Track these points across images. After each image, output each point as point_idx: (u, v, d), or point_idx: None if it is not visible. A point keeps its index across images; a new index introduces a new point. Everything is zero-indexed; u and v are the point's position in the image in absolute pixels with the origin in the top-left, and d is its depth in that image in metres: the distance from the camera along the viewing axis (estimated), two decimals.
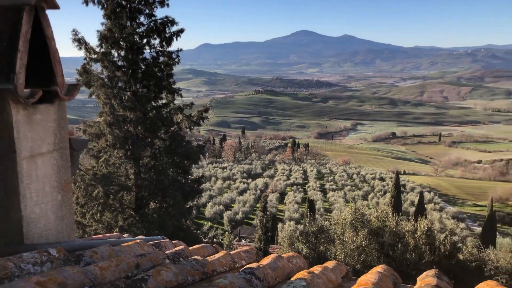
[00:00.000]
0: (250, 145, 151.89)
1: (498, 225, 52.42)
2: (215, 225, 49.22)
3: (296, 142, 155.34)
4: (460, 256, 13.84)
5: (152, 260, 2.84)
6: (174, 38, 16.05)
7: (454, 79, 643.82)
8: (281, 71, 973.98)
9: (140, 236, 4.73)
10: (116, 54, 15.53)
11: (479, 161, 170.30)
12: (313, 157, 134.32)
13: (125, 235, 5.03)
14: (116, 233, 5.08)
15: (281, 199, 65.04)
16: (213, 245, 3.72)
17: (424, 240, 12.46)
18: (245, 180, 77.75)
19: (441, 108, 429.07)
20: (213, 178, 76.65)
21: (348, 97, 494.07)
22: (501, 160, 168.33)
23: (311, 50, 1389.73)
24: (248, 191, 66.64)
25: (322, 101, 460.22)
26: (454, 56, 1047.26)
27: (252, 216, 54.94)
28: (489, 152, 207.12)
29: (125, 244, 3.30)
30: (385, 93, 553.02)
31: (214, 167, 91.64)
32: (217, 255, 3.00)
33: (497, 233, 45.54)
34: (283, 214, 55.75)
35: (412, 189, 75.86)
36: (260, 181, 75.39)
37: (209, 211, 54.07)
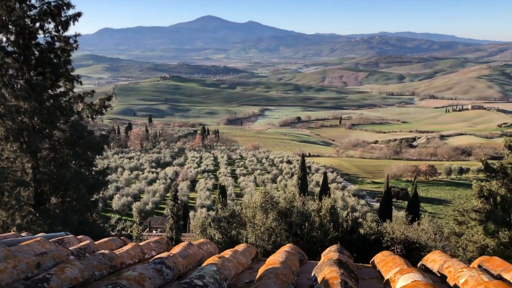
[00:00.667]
0: (158, 133, 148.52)
1: (394, 199, 57.12)
2: (123, 217, 47.68)
3: (206, 129, 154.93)
4: (361, 231, 14.88)
5: (55, 257, 2.68)
6: (71, 22, 15.03)
7: (352, 65, 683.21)
8: (188, 57, 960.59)
9: (41, 234, 4.44)
10: (4, 39, 14.21)
11: (376, 142, 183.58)
12: (223, 144, 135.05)
13: (23, 234, 4.69)
14: (13, 233, 4.71)
15: (192, 186, 64.69)
16: (121, 238, 3.61)
17: (328, 218, 13.19)
18: (154, 169, 76.05)
19: (341, 93, 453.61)
20: (119, 169, 73.88)
21: (255, 83, 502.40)
22: (395, 140, 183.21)
23: (217, 36, 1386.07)
24: (157, 181, 65.31)
25: (230, 87, 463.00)
26: (352, 43, 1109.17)
27: (163, 206, 54.03)
28: (384, 133, 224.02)
29: (23, 243, 3.08)
30: (290, 79, 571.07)
31: (120, 158, 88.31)
32: (125, 248, 2.91)
33: (393, 207, 49.58)
34: (194, 201, 55.56)
35: (317, 170, 79.62)
36: (170, 170, 74.22)
37: (116, 203, 52.13)
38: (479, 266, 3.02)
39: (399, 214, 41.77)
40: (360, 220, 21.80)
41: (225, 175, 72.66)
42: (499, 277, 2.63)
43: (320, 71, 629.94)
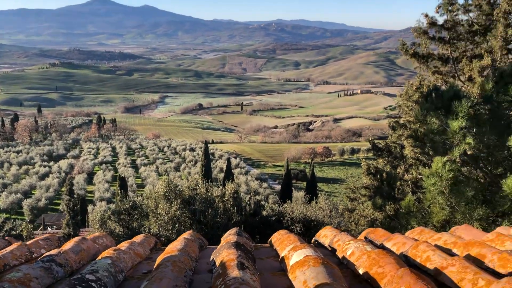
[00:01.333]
0: (49, 124, 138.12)
1: (294, 181, 59.68)
2: (13, 216, 43.93)
3: (102, 118, 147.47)
4: (264, 213, 15.38)
5: None
6: None
7: (251, 52, 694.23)
8: (79, 42, 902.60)
9: None
10: None
11: (276, 127, 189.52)
12: (121, 133, 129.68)
13: None
14: None
15: (89, 179, 61.44)
16: (6, 238, 3.32)
17: (232, 203, 13.41)
18: (46, 163, 70.78)
19: (241, 79, 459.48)
20: (6, 164, 67.62)
21: (153, 69, 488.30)
22: (293, 124, 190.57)
23: (111, 20, 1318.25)
24: (50, 175, 60.97)
25: (127, 74, 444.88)
26: (250, 30, 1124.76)
27: (58, 201, 50.67)
28: (283, 118, 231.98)
29: None
30: (190, 65, 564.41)
31: (6, 152, 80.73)
32: (9, 248, 2.69)
33: (293, 188, 51.80)
34: (93, 195, 52.92)
35: (220, 156, 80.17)
36: (64, 163, 69.64)
37: (4, 201, 47.75)
38: (365, 238, 3.29)
39: (298, 195, 43.71)
40: (263, 202, 22.52)
41: (125, 166, 70.07)
42: (381, 246, 2.89)
43: (219, 57, 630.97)
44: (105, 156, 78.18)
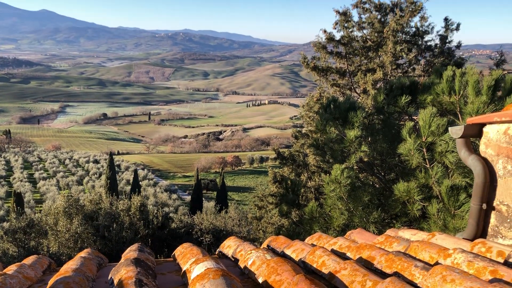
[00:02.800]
0: None
1: (204, 191, 59.42)
2: None
3: None
4: (173, 225, 15.09)
5: None
6: None
7: (158, 61, 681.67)
8: None
9: None
10: None
11: (185, 136, 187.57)
12: (17, 145, 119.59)
13: None
14: None
15: None
16: None
17: (138, 216, 12.99)
18: None
19: (148, 88, 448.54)
20: None
21: (53, 77, 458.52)
22: (203, 134, 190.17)
23: (3, 24, 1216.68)
24: None
25: (23, 81, 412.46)
26: (157, 39, 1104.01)
27: None
28: (193, 127, 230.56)
29: None
30: (93, 74, 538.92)
31: None
32: None
33: (203, 198, 51.54)
34: None
35: (127, 168, 77.34)
36: None
37: None
38: (268, 246, 3.37)
39: (209, 205, 43.58)
40: (172, 214, 22.11)
41: (21, 181, 64.69)
42: (282, 254, 2.98)
43: (125, 65, 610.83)
44: None
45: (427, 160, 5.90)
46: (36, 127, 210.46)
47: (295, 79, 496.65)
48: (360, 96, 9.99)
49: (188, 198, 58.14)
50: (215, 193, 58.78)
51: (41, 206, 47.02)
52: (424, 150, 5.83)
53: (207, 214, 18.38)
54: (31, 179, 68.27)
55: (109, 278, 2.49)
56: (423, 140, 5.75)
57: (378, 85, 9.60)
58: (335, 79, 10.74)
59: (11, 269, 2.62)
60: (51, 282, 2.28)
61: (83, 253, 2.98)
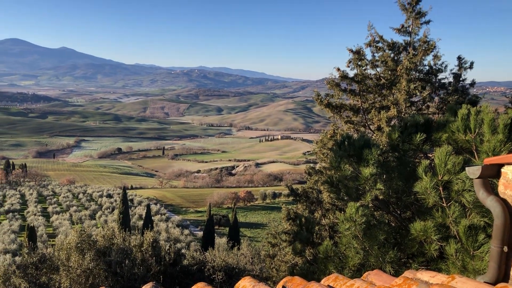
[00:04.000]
0: None
1: (216, 227, 58.96)
2: None
3: (11, 163, 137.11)
4: (185, 262, 14.93)
5: None
6: None
7: (174, 96, 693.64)
8: None
9: None
10: None
11: (198, 171, 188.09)
12: (32, 179, 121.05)
13: None
14: None
15: None
16: None
17: (150, 252, 12.89)
18: None
19: (163, 124, 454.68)
20: None
21: (70, 112, 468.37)
22: (216, 168, 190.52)
23: (24, 61, 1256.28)
24: None
25: (41, 116, 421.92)
26: (172, 75, 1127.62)
27: None
28: (206, 162, 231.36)
29: None
30: (109, 109, 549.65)
31: None
32: None
33: (215, 234, 51.07)
34: None
35: (140, 202, 77.44)
36: None
37: None
38: (283, 287, 3.32)
39: (221, 241, 43.15)
40: (184, 250, 21.91)
41: (35, 214, 65.09)
42: None
43: (141, 101, 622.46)
44: (12, 204, 72.17)
45: (443, 198, 5.82)
46: (52, 161, 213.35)
47: (308, 115, 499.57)
48: (374, 133, 9.99)
49: (200, 233, 57.69)
50: (227, 229, 58.25)
51: (53, 240, 47.06)
52: (441, 188, 5.76)
53: (219, 250, 18.17)
54: (45, 213, 68.67)
55: None
56: (439, 178, 5.70)
57: (392, 123, 9.60)
58: (349, 116, 10.80)
59: None
60: None
61: None
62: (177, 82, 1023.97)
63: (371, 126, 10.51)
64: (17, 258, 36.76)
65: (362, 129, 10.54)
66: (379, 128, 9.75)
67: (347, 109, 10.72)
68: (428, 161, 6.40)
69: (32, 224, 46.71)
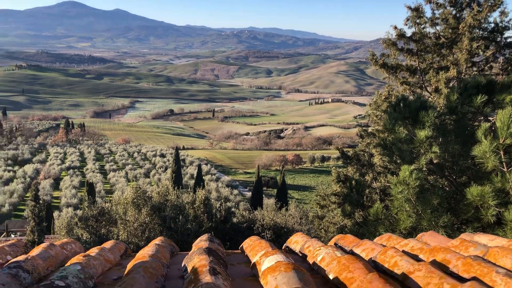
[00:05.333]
0: (15, 128, 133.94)
1: (264, 188, 59.82)
2: None
3: (70, 122, 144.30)
4: (234, 220, 15.35)
5: None
6: None
7: (223, 58, 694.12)
8: (48, 44, 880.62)
9: None
10: None
11: (247, 134, 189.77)
12: (90, 138, 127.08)
13: None
14: None
15: (56, 185, 59.90)
16: None
17: (202, 210, 13.34)
18: (10, 167, 68.57)
19: (213, 86, 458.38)
20: None
21: (124, 74, 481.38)
22: (265, 131, 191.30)
23: (81, 23, 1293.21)
24: (15, 180, 59.15)
25: (97, 77, 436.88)
26: (223, 37, 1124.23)
27: (22, 207, 49.19)
28: (255, 125, 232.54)
29: None
30: (161, 71, 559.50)
31: None
32: None
33: (263, 195, 51.92)
34: (59, 201, 51.61)
35: (191, 162, 79.62)
36: (29, 168, 67.68)
37: None
38: (335, 244, 3.35)
39: (269, 202, 43.81)
40: (233, 209, 22.50)
41: (93, 172, 68.67)
42: (351, 252, 2.95)
43: (192, 63, 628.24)
44: (72, 161, 76.43)
45: (504, 163, 5.57)
46: (108, 121, 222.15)
47: (361, 77, 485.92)
48: (431, 95, 9.59)
49: (248, 194, 58.80)
50: (275, 190, 58.97)
51: (110, 196, 49.65)
52: (502, 152, 5.51)
53: (267, 210, 18.49)
54: (102, 170, 72.22)
55: (182, 265, 2.60)
56: (501, 142, 5.44)
57: (451, 84, 9.16)
58: (405, 77, 10.39)
59: (93, 251, 2.80)
60: (129, 266, 2.41)
61: (157, 241, 3.13)
62: (227, 44, 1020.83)
63: (428, 88, 10.09)
64: (78, 212, 39.25)
65: (419, 90, 10.14)
66: (437, 90, 9.35)
67: (403, 70, 10.31)
68: (489, 124, 6.10)
69: (91, 181, 49.42)
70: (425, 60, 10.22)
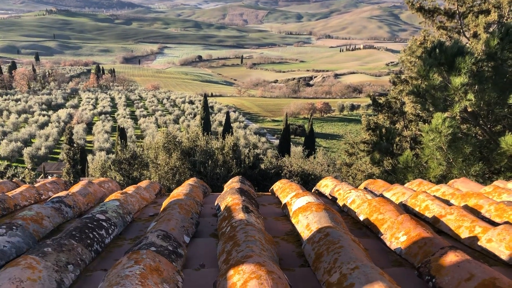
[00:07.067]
0: (47, 73, 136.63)
1: (292, 136, 59.85)
2: (13, 164, 44.31)
3: (101, 68, 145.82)
4: (262, 166, 15.55)
5: None
6: None
7: (252, 2, 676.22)
8: None
9: None
10: None
11: (276, 81, 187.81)
12: (120, 84, 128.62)
13: None
14: None
15: (88, 129, 61.55)
16: (13, 180, 3.40)
17: (231, 155, 13.54)
18: (45, 112, 70.59)
19: (241, 31, 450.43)
20: (5, 112, 67.47)
21: (152, 19, 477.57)
22: (293, 79, 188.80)
23: None
24: (50, 124, 61.01)
25: (126, 23, 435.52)
26: None
27: (58, 150, 51.02)
28: (284, 72, 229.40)
29: None
30: (189, 15, 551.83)
31: (5, 100, 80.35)
32: (18, 190, 2.76)
33: (291, 143, 52.04)
34: (92, 145, 53.20)
35: (219, 110, 79.96)
36: (63, 112, 69.50)
37: (4, 149, 48.01)
38: (365, 188, 3.37)
39: (297, 150, 43.93)
40: (261, 156, 22.76)
41: (124, 117, 69.99)
42: (381, 196, 2.97)
43: (220, 7, 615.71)
44: (104, 107, 77.94)
45: None
46: (137, 67, 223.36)
47: (395, 22, 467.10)
48: (469, 40, 9.17)
49: (276, 142, 59.06)
50: (302, 138, 58.96)
51: (141, 141, 50.82)
52: None
53: (295, 157, 18.62)
54: (133, 116, 73.50)
55: (215, 204, 2.69)
56: None
57: (491, 29, 8.72)
58: (442, 21, 9.91)
59: (130, 189, 2.92)
60: (165, 203, 2.51)
61: (190, 181, 3.22)
62: None
63: (466, 33, 9.64)
64: (111, 155, 40.45)
65: (456, 36, 9.70)
66: (475, 35, 8.92)
67: (441, 13, 9.82)
68: None
69: (122, 126, 50.55)
70: (464, 3, 9.68)
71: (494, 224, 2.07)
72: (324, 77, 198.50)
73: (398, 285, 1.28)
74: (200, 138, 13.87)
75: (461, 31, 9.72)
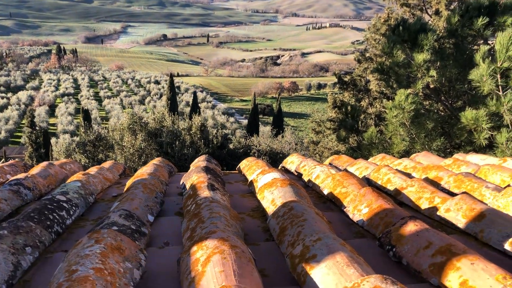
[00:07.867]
0: (5, 54, 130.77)
1: (260, 116, 59.84)
2: None
3: (62, 48, 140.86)
4: (231, 146, 15.55)
5: None
6: None
7: None
8: None
9: None
10: None
11: (243, 60, 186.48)
12: (83, 64, 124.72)
13: None
14: None
15: (51, 112, 59.65)
16: None
17: (199, 136, 13.45)
18: (3, 94, 67.81)
19: (207, 9, 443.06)
20: None
21: None
22: (261, 58, 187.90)
23: None
24: (9, 107, 58.73)
25: (87, 1, 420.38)
26: None
27: (19, 134, 49.28)
28: (251, 51, 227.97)
29: None
30: None
31: None
32: None
33: (260, 123, 52.06)
34: (55, 128, 51.66)
35: (186, 90, 78.95)
36: (23, 94, 66.98)
37: None
38: (330, 164, 3.42)
39: (265, 129, 44.01)
40: (230, 136, 22.73)
41: (88, 98, 68.15)
42: (345, 170, 3.01)
43: None
44: (66, 88, 75.55)
45: (500, 87, 5.56)
46: (100, 47, 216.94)
47: (360, 1, 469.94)
48: (431, 17, 9.34)
49: (245, 121, 58.97)
50: (271, 118, 59.07)
51: (106, 123, 49.71)
52: (498, 76, 5.47)
53: (263, 137, 18.69)
54: (97, 97, 71.63)
55: (181, 183, 2.66)
56: (498, 65, 5.38)
57: (452, 6, 8.89)
58: None
59: (92, 170, 2.85)
60: (128, 183, 2.47)
61: (155, 161, 3.18)
62: None
63: (428, 10, 9.80)
64: (75, 138, 39.44)
65: (419, 13, 9.85)
66: (437, 12, 9.09)
67: None
68: (488, 47, 6.00)
69: (86, 107, 49.17)
70: None
71: (453, 194, 2.14)
72: (291, 56, 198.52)
73: (359, 255, 1.31)
74: (166, 118, 13.71)
75: (424, 8, 9.88)
